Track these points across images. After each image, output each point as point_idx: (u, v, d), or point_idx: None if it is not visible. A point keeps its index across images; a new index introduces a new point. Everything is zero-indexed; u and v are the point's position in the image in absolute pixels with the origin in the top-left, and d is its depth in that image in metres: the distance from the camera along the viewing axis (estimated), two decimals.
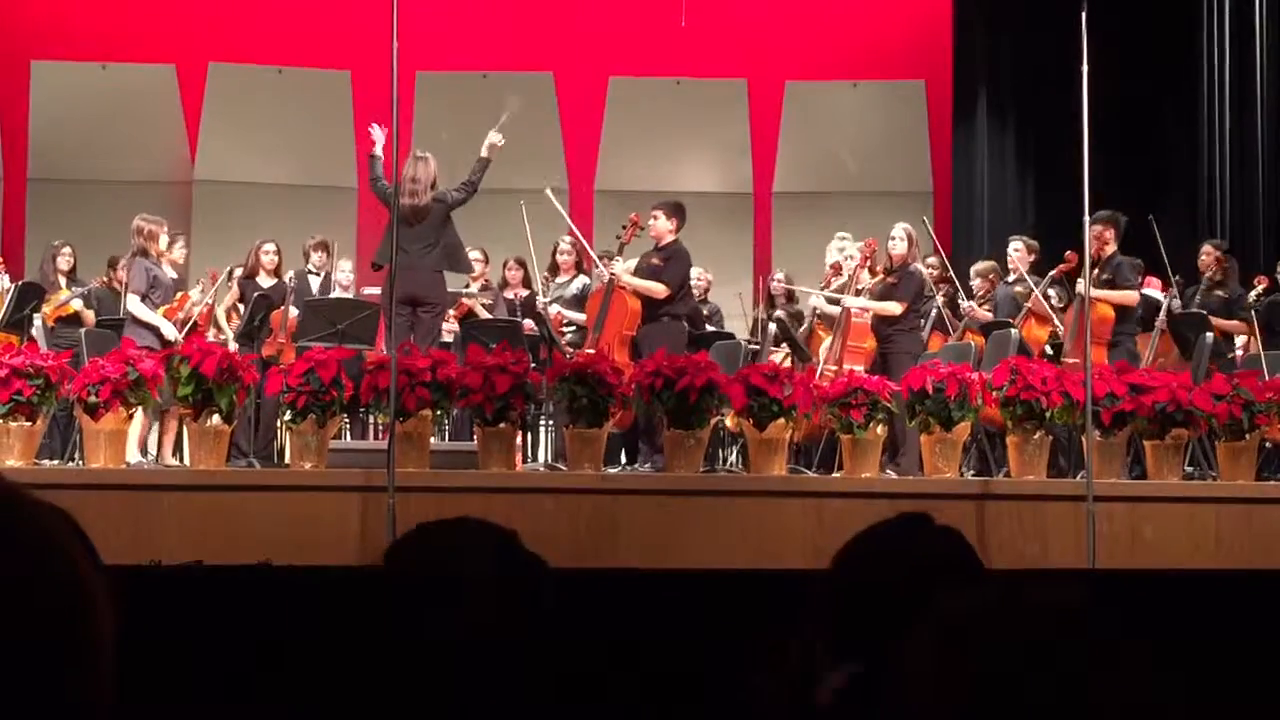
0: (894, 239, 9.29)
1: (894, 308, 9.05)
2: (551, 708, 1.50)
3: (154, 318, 8.68)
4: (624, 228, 9.56)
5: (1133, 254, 10.25)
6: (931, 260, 10.69)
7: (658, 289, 8.93)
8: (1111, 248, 9.00)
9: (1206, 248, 9.89)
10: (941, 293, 10.33)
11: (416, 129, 13.11)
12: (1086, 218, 7.56)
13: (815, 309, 9.84)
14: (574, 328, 9.73)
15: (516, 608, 1.52)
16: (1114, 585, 4.65)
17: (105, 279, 10.17)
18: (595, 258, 10.07)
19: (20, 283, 9.94)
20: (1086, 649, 1.11)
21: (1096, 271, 8.99)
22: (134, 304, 8.78)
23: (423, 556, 1.55)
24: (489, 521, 1.60)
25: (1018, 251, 9.93)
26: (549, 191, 10.24)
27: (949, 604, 1.17)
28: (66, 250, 10.11)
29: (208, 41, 13.37)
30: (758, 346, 10.03)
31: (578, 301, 9.84)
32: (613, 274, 9.06)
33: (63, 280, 10.01)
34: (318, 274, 10.15)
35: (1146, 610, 4.06)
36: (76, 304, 9.83)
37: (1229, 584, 4.89)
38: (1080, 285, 9.04)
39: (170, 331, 8.67)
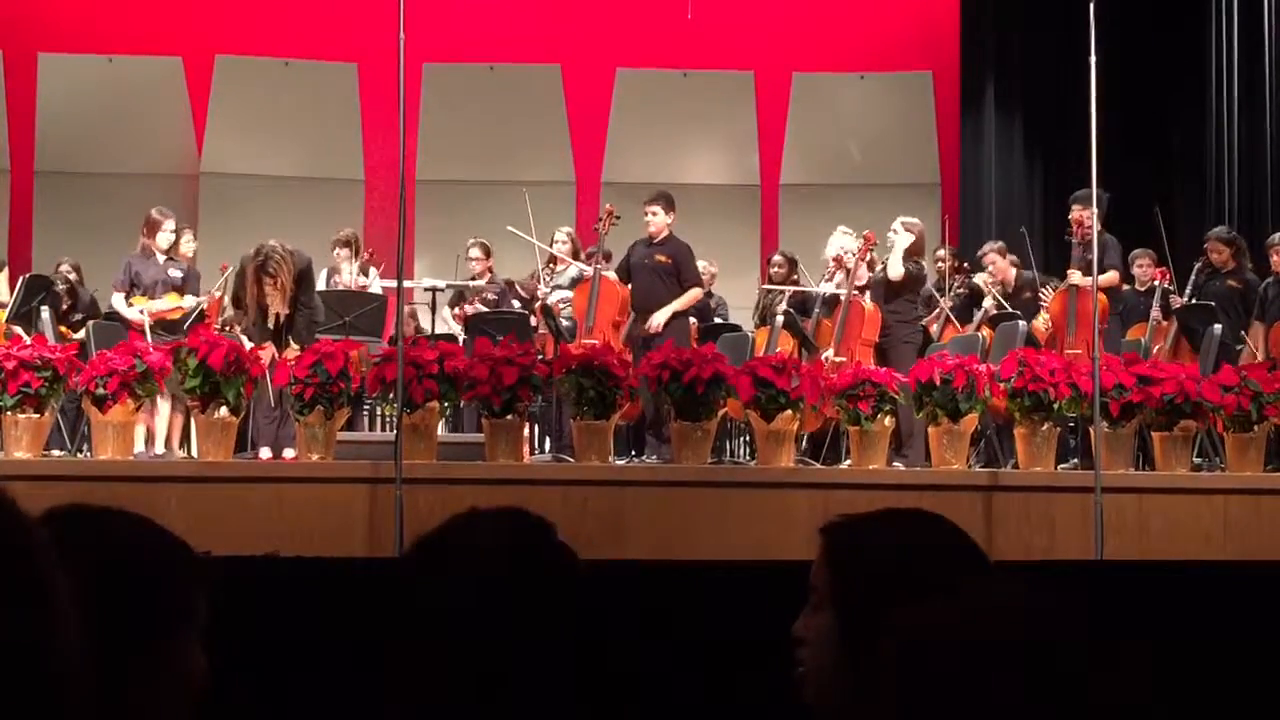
0: (893, 232, 9.30)
1: (908, 305, 9.15)
2: (560, 703, 1.49)
3: (131, 314, 8.72)
4: (601, 219, 9.57)
5: (1142, 243, 10.25)
6: (941, 253, 10.69)
7: (696, 295, 9.15)
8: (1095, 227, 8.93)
9: (1216, 244, 9.78)
10: (958, 284, 10.33)
11: (423, 121, 13.12)
12: (1095, 208, 7.54)
13: (821, 296, 9.84)
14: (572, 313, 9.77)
15: (553, 603, 1.51)
16: (1121, 577, 4.64)
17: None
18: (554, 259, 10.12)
19: (27, 276, 9.93)
20: (1046, 655, 1.10)
21: (1082, 252, 9.00)
22: (115, 300, 8.92)
23: (459, 547, 1.54)
24: (527, 512, 1.60)
25: (994, 264, 10.00)
26: (525, 192, 10.35)
27: (908, 617, 1.17)
28: (65, 266, 10.10)
29: (214, 34, 13.38)
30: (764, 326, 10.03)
31: (575, 286, 9.89)
32: (654, 326, 8.89)
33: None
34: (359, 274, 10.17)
35: (1154, 602, 4.06)
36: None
37: (1238, 575, 4.88)
38: (1075, 276, 9.04)
39: (133, 315, 8.67)
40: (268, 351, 8.13)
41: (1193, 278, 9.85)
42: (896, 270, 8.98)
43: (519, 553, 1.53)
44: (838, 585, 1.87)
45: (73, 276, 10.16)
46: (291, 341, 8.29)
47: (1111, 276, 9.28)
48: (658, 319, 8.92)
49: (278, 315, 8.31)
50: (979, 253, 10.43)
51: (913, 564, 1.84)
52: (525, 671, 1.45)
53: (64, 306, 9.90)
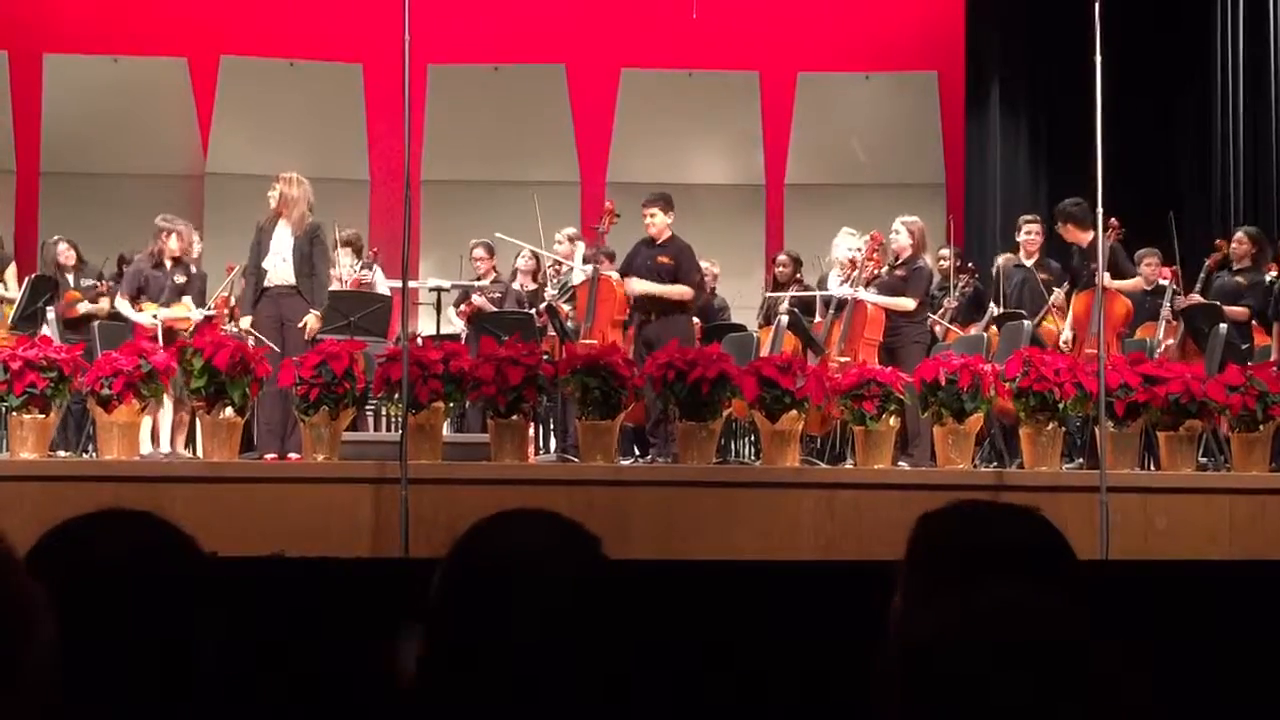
0: (895, 233, 9.26)
1: (907, 303, 9.04)
2: (573, 705, 1.49)
3: (133, 315, 8.82)
4: (602, 218, 9.55)
5: (1149, 244, 10.23)
6: (944, 252, 10.67)
7: (683, 291, 8.97)
8: (1088, 237, 8.87)
9: (1242, 236, 9.80)
10: (963, 284, 10.30)
11: (428, 121, 13.13)
12: (1100, 209, 7.53)
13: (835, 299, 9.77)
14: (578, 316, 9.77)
15: (595, 606, 1.52)
16: (1127, 577, 4.64)
17: (114, 277, 10.19)
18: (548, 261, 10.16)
19: (32, 277, 9.95)
20: (1048, 659, 1.10)
21: (1085, 261, 9.00)
22: (120, 304, 9.01)
23: (500, 548, 1.54)
24: (559, 515, 1.60)
25: (1032, 234, 9.82)
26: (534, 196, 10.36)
27: (911, 624, 1.17)
28: (63, 245, 10.13)
29: (219, 35, 13.39)
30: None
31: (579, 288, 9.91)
32: (631, 292, 9.00)
33: (71, 277, 10.02)
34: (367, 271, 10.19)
35: (1160, 602, 4.05)
36: (83, 308, 9.82)
37: (1243, 575, 4.88)
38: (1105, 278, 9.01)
39: (145, 320, 8.73)
40: (247, 320, 8.38)
41: (1202, 274, 9.84)
42: (896, 303, 9.01)
43: (580, 564, 1.54)
44: (907, 571, 1.89)
45: (72, 255, 10.23)
46: (312, 308, 8.50)
47: (1136, 282, 9.29)
48: (636, 287, 8.95)
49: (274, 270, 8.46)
50: (1020, 221, 10.20)
51: (981, 558, 1.84)
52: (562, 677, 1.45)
53: (72, 265, 9.98)
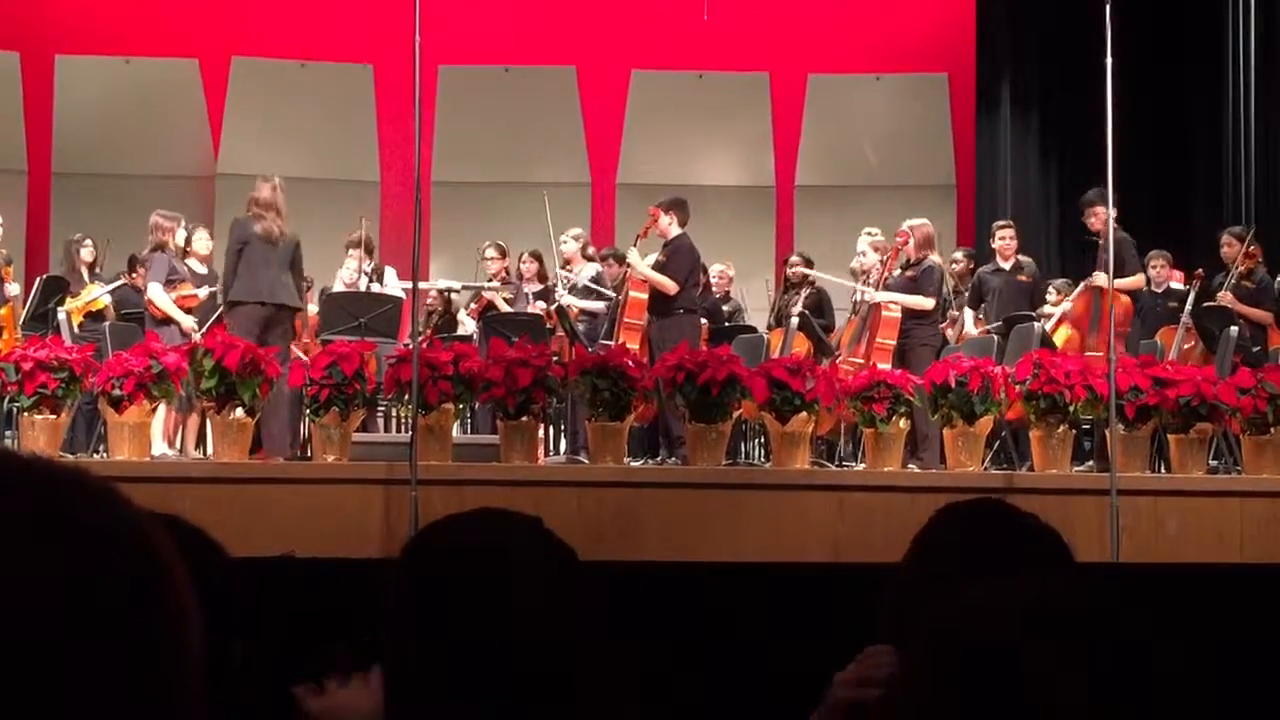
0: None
1: (926, 303, 9.05)
2: (578, 704, 1.49)
3: (172, 308, 8.81)
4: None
5: (1165, 245, 10.19)
6: (956, 255, 10.65)
7: (666, 283, 8.95)
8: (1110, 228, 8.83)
9: (1227, 238, 9.79)
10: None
11: (439, 123, 13.14)
12: (1111, 210, 7.52)
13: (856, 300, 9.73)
14: (586, 317, 9.76)
15: (564, 600, 1.51)
16: (1137, 579, 4.63)
17: (128, 274, 10.21)
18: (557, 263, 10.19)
19: (44, 277, 9.97)
20: (1080, 648, 1.10)
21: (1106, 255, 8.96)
22: (155, 291, 8.87)
23: (461, 548, 1.53)
24: (518, 512, 1.60)
25: (1006, 239, 9.81)
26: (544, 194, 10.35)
27: (941, 606, 1.16)
28: (88, 243, 10.15)
29: (231, 36, 13.41)
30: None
31: (591, 288, 9.89)
32: (628, 263, 9.13)
33: (85, 273, 10.04)
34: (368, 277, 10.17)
35: (1170, 605, 4.04)
36: (105, 299, 9.85)
37: (1254, 578, 4.87)
38: (1100, 278, 8.98)
39: (187, 321, 8.78)
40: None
41: (1232, 280, 9.82)
42: (914, 301, 9.00)
43: (516, 549, 1.53)
44: (898, 568, 1.89)
45: (94, 254, 10.29)
46: None
47: (1138, 279, 9.23)
48: (631, 258, 9.21)
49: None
50: (994, 227, 10.18)
51: (957, 557, 1.83)
52: (530, 670, 1.45)
53: (89, 264, 10.03)
